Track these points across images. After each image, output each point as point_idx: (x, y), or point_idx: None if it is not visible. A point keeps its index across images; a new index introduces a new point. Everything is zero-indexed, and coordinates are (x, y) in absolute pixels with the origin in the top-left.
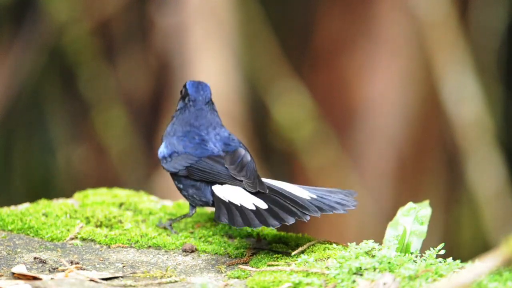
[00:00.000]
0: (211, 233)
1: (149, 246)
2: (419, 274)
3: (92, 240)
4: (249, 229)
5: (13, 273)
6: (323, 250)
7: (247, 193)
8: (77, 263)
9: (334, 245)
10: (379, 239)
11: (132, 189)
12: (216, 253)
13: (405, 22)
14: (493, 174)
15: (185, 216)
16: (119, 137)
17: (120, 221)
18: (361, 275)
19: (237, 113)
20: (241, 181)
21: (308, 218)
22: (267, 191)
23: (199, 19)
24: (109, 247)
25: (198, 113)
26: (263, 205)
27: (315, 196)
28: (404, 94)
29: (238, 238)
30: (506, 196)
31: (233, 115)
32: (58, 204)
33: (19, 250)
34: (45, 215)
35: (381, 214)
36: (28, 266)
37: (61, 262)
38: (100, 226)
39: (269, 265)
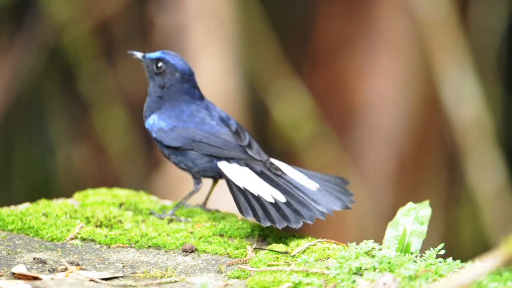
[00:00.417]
0: (211, 233)
1: (149, 246)
2: (419, 274)
3: (92, 240)
4: (249, 229)
5: (13, 273)
6: (323, 250)
7: (257, 177)
8: (78, 264)
9: (334, 245)
10: (379, 239)
11: (132, 189)
12: (216, 253)
13: (405, 22)
14: (493, 174)
15: (192, 193)
16: (119, 137)
17: (120, 221)
18: (361, 275)
19: (237, 113)
20: (259, 160)
21: (325, 218)
22: (280, 173)
23: (199, 19)
24: (109, 247)
25: (193, 89)
26: (280, 197)
27: (318, 186)
28: (404, 94)
29: (238, 238)
30: (506, 196)
31: (233, 115)
32: (58, 204)
33: (19, 250)
34: (45, 215)
35: (381, 214)
36: (28, 266)
37: (61, 262)
38: (100, 226)
39: (269, 265)
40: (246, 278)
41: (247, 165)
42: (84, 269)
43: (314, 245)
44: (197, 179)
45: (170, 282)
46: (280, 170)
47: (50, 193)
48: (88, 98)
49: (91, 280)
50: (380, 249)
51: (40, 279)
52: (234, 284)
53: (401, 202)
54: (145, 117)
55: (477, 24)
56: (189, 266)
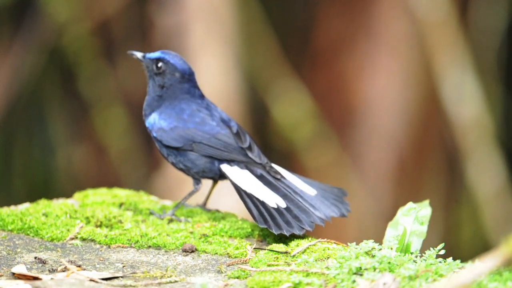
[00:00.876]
0: (211, 233)
1: (149, 246)
2: (419, 274)
3: (92, 240)
4: (249, 229)
5: (13, 273)
6: (323, 250)
7: (258, 180)
8: (79, 266)
9: (334, 245)
10: (379, 239)
11: (132, 189)
12: (216, 253)
13: (405, 22)
14: (493, 174)
15: (191, 193)
16: (119, 137)
17: (120, 221)
18: (361, 275)
19: (237, 113)
20: (259, 163)
21: (324, 224)
22: (280, 177)
23: (199, 19)
24: (109, 247)
25: (194, 89)
26: (281, 202)
27: (316, 192)
28: (404, 94)
29: (238, 238)
30: (506, 196)
31: (233, 115)
32: (58, 204)
33: (19, 250)
34: (45, 215)
35: (381, 214)
36: (28, 266)
37: (61, 262)
38: (100, 226)
39: (269, 265)
40: (246, 278)
41: (247, 168)
42: (84, 269)
43: (314, 245)
44: (196, 179)
45: (170, 282)
46: (279, 174)
47: (50, 193)
48: (88, 98)
49: (91, 280)
50: (380, 249)
51: (40, 279)
52: (234, 284)
53: (401, 202)
54: (145, 116)
55: (477, 24)
56: (189, 266)
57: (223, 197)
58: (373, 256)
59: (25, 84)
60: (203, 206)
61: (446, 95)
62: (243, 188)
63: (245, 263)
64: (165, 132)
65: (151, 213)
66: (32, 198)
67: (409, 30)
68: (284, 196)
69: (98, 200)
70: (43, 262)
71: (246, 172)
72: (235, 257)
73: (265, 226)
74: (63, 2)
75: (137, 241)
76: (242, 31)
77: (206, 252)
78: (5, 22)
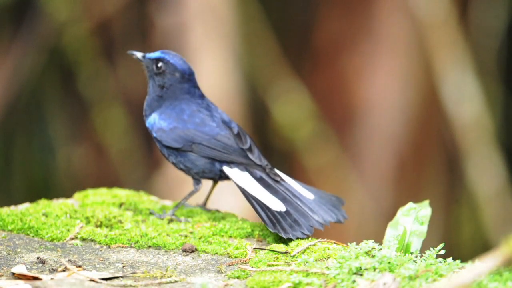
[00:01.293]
0: (211, 233)
1: (149, 246)
2: (419, 274)
3: (92, 240)
4: (249, 229)
5: (13, 273)
6: (323, 250)
7: (257, 183)
8: (79, 266)
9: (334, 245)
10: (379, 239)
11: (132, 189)
12: (216, 253)
13: (405, 22)
14: (493, 174)
15: (191, 193)
16: (119, 137)
17: (120, 221)
18: (361, 275)
19: (237, 113)
20: (259, 165)
21: (323, 228)
22: (279, 180)
23: (199, 19)
24: (109, 247)
25: (194, 89)
26: (281, 206)
27: (314, 197)
28: (404, 94)
29: (238, 238)
30: (506, 196)
31: (233, 114)
32: (58, 204)
33: (19, 250)
34: (45, 215)
35: (381, 214)
36: (28, 266)
37: (61, 262)
38: (100, 226)
39: (269, 265)
40: (246, 278)
41: (247, 170)
42: (84, 269)
43: (314, 245)
44: (196, 179)
45: (170, 282)
46: (279, 176)
47: (50, 193)
48: (88, 98)
49: (91, 280)
50: (380, 249)
51: (40, 279)
52: (234, 284)
53: (401, 202)
54: (146, 116)
55: (477, 24)
56: (189, 266)
57: (223, 197)
58: (373, 256)
59: (25, 84)
60: (203, 206)
61: (446, 95)
62: (248, 190)
63: (245, 263)
64: (165, 132)
65: (151, 213)
66: (32, 198)
67: (409, 31)
68: (283, 199)
69: (98, 200)
70: (43, 262)
71: (246, 174)
72: (235, 257)
73: (276, 231)
74: (63, 2)
75: (137, 241)
76: (242, 31)
77: (206, 252)
78: (5, 22)
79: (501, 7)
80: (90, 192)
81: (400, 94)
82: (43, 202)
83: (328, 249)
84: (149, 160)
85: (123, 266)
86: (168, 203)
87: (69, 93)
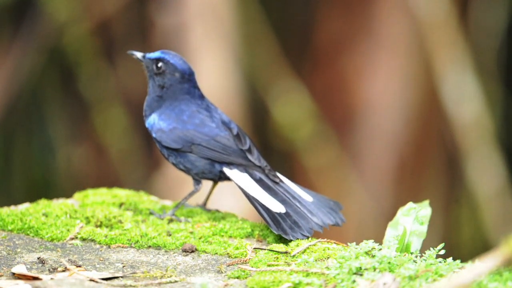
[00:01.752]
0: (211, 233)
1: (149, 246)
2: (419, 274)
3: (92, 240)
4: (249, 229)
5: (13, 273)
6: (323, 250)
7: (256, 184)
8: (79, 266)
9: (334, 245)
10: (379, 239)
11: (132, 189)
12: (216, 253)
13: (405, 22)
14: (493, 174)
15: (191, 194)
16: (119, 137)
17: (120, 221)
18: (361, 275)
19: (237, 113)
20: (259, 166)
21: (322, 231)
22: (279, 181)
23: (199, 19)
24: (109, 247)
25: (194, 89)
26: (281, 208)
27: (312, 199)
28: (404, 94)
29: (238, 238)
30: (506, 196)
31: (233, 114)
32: (58, 204)
33: (19, 250)
34: (45, 215)
35: (381, 214)
36: (28, 266)
37: (61, 262)
38: (100, 226)
39: (269, 265)
40: (246, 278)
41: (246, 171)
42: (84, 269)
43: (314, 245)
44: (196, 180)
45: (170, 282)
46: (278, 177)
47: (50, 193)
48: (88, 98)
49: (91, 280)
50: (380, 249)
51: (40, 279)
52: (234, 284)
53: (401, 202)
54: (145, 116)
55: (477, 24)
56: (189, 266)
57: (223, 197)
58: (373, 256)
59: (25, 84)
60: (203, 206)
61: (446, 95)
62: (248, 191)
63: (245, 263)
64: (165, 133)
65: (151, 213)
66: (32, 198)
67: (409, 30)
68: (282, 201)
69: (98, 200)
70: (43, 262)
71: (245, 176)
72: (235, 257)
73: (279, 232)
74: (63, 2)
75: (137, 241)
76: (242, 31)
77: (206, 252)
78: (5, 22)
79: (501, 7)
80: (90, 192)
81: (400, 94)
82: (43, 202)
83: (328, 249)
84: (149, 160)
85: (123, 266)
86: (168, 203)
87: (69, 93)
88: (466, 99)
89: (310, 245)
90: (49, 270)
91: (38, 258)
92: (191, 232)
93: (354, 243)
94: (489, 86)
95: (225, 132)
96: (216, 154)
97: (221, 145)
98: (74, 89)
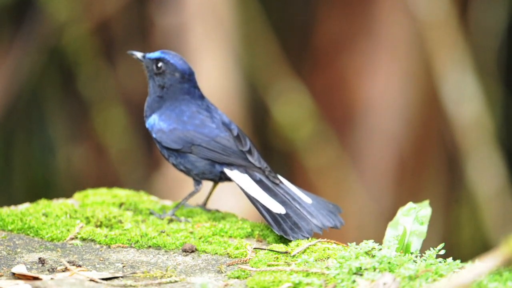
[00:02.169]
0: (211, 233)
1: (149, 246)
2: (419, 274)
3: (92, 240)
4: (249, 229)
5: (13, 273)
6: (323, 250)
7: (256, 185)
8: (79, 266)
9: (334, 245)
10: (379, 239)
11: (132, 189)
12: (216, 253)
13: (405, 22)
14: (493, 174)
15: (192, 194)
16: (119, 137)
17: (120, 221)
18: (361, 275)
19: (237, 113)
20: (259, 167)
21: (322, 232)
22: (279, 183)
23: (199, 19)
24: (109, 247)
25: (194, 89)
26: (281, 209)
27: (312, 201)
28: (404, 94)
29: (238, 238)
30: (506, 196)
31: (233, 115)
32: (58, 204)
33: (19, 250)
34: (45, 215)
35: (381, 214)
36: (28, 266)
37: (61, 262)
38: (100, 226)
39: (269, 265)
40: (246, 278)
41: (246, 172)
42: (85, 269)
43: (314, 245)
44: (197, 180)
45: (170, 282)
46: (278, 179)
47: (50, 193)
48: (88, 98)
49: (91, 280)
50: (380, 249)
51: (40, 279)
52: (234, 284)
53: (401, 202)
54: (146, 117)
55: (477, 24)
56: (189, 266)
57: (223, 197)
58: (373, 256)
59: (25, 84)
60: (203, 206)
61: (446, 95)
62: (248, 192)
63: (245, 263)
64: (165, 133)
65: (151, 213)
66: (32, 198)
67: (409, 30)
68: (282, 202)
69: (98, 200)
70: (43, 262)
71: (245, 177)
72: (235, 257)
73: (281, 233)
74: (63, 2)
75: (137, 241)
76: (242, 31)
77: (206, 252)
78: (5, 22)
79: (501, 7)
80: (90, 192)
81: (400, 94)
82: (43, 202)
83: (328, 249)
84: (149, 160)
85: (123, 266)
86: (168, 203)
87: (69, 93)
88: (466, 99)
89: (310, 245)
90: (49, 270)
91: (39, 258)
92: (191, 232)
93: (354, 243)
94: (489, 86)
95: (226, 133)
96: (216, 155)
97: (221, 146)
98: (74, 89)
